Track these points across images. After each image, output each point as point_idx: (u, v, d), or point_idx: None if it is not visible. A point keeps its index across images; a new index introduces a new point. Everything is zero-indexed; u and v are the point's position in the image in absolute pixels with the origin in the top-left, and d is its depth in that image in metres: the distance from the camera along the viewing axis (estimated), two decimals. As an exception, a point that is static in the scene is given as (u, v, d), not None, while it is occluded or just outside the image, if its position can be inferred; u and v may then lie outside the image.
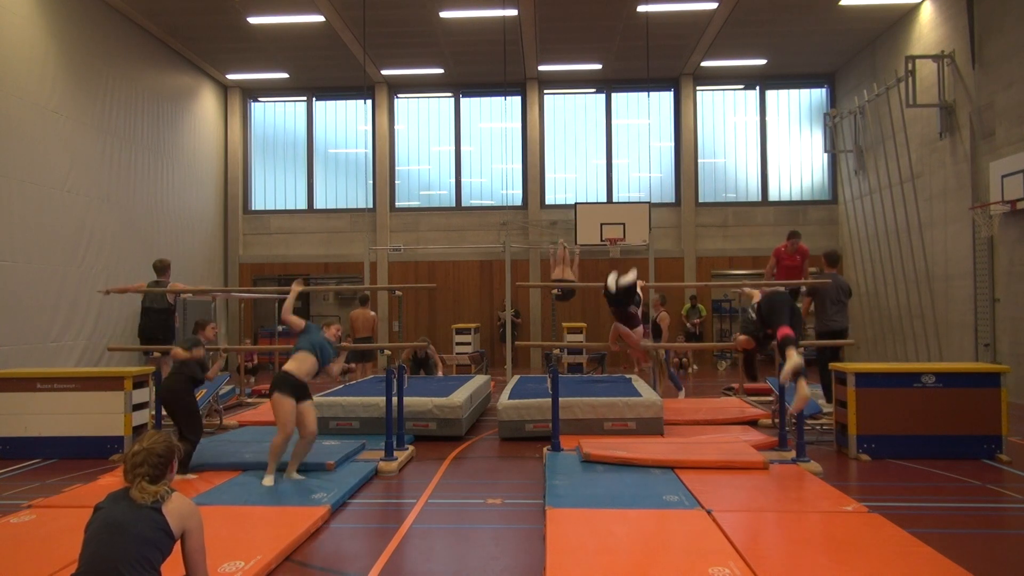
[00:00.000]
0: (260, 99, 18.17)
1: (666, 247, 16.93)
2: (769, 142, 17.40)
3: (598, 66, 16.49)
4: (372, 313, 12.30)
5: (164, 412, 6.44)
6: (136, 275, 11.94)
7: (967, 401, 6.78)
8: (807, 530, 4.53)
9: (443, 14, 13.43)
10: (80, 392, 7.22)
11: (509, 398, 8.30)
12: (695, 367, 15.71)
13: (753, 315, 6.31)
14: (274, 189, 18.16)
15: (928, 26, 12.88)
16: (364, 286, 15.17)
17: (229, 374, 11.45)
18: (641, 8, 13.13)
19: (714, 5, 13.17)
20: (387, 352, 13.30)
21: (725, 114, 17.63)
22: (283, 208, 18.03)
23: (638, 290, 7.21)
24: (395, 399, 6.90)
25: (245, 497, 5.32)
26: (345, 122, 18.08)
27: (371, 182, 17.70)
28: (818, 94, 17.41)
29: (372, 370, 12.86)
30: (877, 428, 6.82)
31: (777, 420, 7.34)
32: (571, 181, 17.71)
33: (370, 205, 17.64)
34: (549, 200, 17.59)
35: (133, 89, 13.54)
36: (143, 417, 7.49)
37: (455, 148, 17.83)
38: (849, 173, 16.05)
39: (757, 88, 17.44)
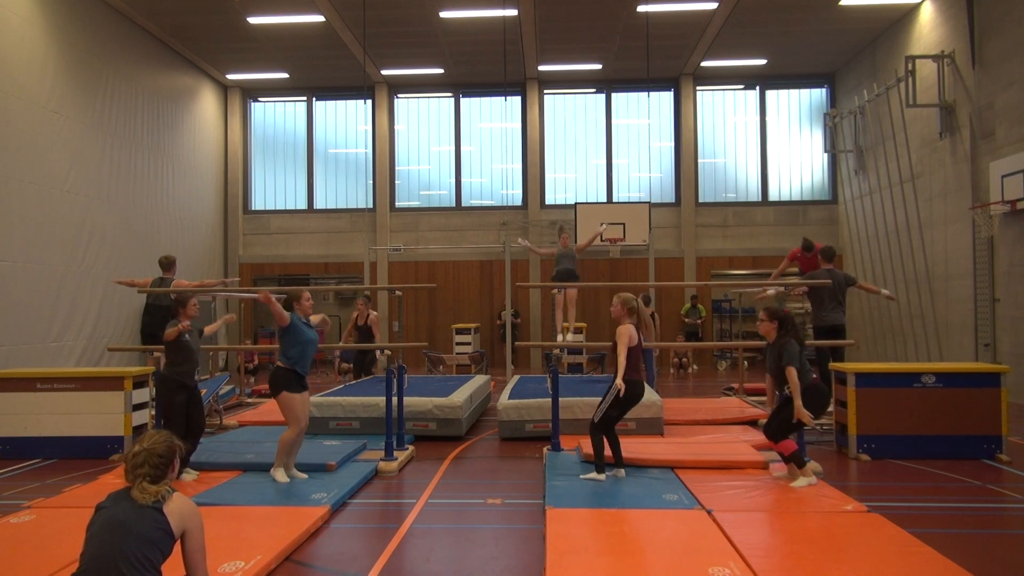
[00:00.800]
0: (260, 99, 18.17)
1: (666, 247, 16.92)
2: (769, 142, 17.39)
3: (598, 66, 16.48)
4: (375, 313, 12.27)
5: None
6: (136, 275, 11.86)
7: (967, 401, 6.78)
8: (807, 530, 4.54)
9: (443, 14, 13.43)
10: (80, 392, 7.22)
11: (509, 398, 8.32)
12: (695, 367, 15.72)
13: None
14: (274, 189, 18.16)
15: (928, 26, 12.88)
16: (364, 286, 15.16)
17: (229, 375, 11.43)
18: (641, 8, 13.12)
19: (714, 5, 13.16)
20: (387, 352, 13.30)
21: (725, 114, 17.62)
22: (283, 208, 18.03)
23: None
24: (395, 399, 6.90)
25: (245, 497, 5.33)
26: (345, 122, 18.08)
27: (371, 182, 17.70)
28: (818, 94, 17.41)
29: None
30: (877, 428, 6.82)
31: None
32: (571, 181, 17.71)
33: (370, 205, 17.64)
34: (549, 200, 17.59)
35: (133, 89, 13.53)
36: (143, 417, 7.49)
37: (455, 148, 17.83)
38: (849, 173, 16.05)
39: (757, 88, 17.44)
